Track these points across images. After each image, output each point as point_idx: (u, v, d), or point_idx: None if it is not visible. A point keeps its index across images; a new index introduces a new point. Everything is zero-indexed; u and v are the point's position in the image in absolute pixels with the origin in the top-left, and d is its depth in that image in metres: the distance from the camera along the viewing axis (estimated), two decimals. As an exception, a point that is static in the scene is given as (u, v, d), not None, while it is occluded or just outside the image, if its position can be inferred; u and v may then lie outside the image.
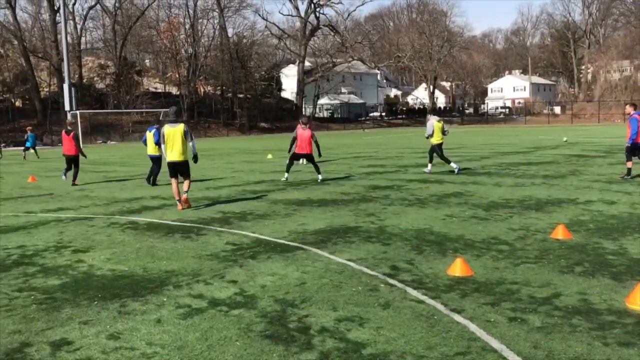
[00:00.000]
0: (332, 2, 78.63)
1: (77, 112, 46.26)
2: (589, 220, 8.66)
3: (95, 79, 68.62)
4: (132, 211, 11.04)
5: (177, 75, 71.99)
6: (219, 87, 74.29)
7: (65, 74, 49.84)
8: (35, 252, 7.74)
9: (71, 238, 8.58)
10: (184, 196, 11.04)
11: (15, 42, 61.57)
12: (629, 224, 8.28)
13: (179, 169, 10.90)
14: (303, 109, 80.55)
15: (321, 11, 79.70)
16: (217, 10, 71.68)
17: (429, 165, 16.38)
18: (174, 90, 74.61)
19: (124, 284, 6.10)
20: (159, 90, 73.63)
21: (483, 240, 7.59)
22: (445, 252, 7.01)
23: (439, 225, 8.69)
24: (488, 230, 8.20)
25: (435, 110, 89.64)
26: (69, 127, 16.48)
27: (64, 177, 17.07)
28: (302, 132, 15.10)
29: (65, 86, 48.99)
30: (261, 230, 8.76)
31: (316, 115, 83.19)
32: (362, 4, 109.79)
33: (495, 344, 4.23)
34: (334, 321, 4.81)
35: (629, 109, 13.29)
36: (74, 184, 15.97)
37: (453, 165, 15.62)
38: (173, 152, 10.75)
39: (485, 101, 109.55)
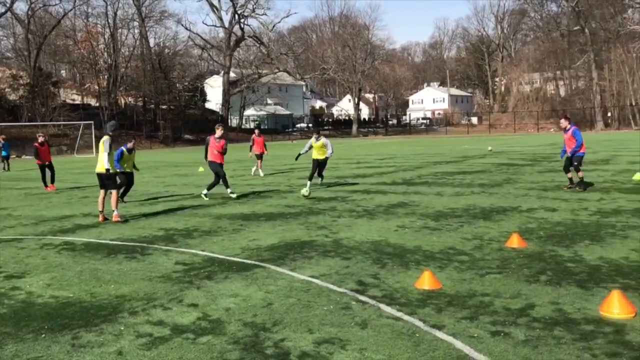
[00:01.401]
0: (256, 14, 78.43)
1: (-12, 124, 43.39)
2: (538, 228, 8.84)
3: (7, 90, 64.71)
4: (65, 230, 10.28)
5: (96, 87, 69.15)
6: (140, 99, 72.07)
7: (-26, 85, 46.75)
8: (-40, 280, 6.97)
9: (0, 262, 7.82)
10: (114, 214, 11.03)
11: None
12: (576, 231, 8.51)
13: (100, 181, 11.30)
14: (229, 120, 79.56)
15: (245, 22, 79.35)
16: (137, 19, 69.65)
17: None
18: (93, 102, 71.63)
19: (71, 312, 5.55)
20: (77, 102, 70.46)
21: (441, 251, 7.55)
22: (407, 265, 6.89)
23: (393, 236, 8.60)
24: (443, 241, 8.18)
25: (360, 121, 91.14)
26: (40, 139, 18.98)
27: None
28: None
29: (-26, 97, 45.93)
30: (211, 247, 8.34)
31: (242, 127, 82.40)
32: (287, 16, 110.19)
33: (486, 361, 4.10)
34: (313, 344, 4.54)
35: (564, 123, 13.38)
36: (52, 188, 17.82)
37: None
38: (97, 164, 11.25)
39: (407, 112, 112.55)
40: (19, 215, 12.52)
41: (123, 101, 72.77)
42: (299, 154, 15.51)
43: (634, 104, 68.31)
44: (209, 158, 13.93)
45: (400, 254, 7.49)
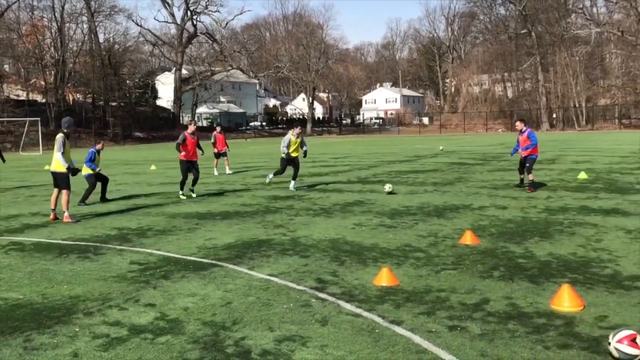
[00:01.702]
0: (209, 11, 77.52)
1: None
2: (489, 225, 9.08)
3: (-55, 84, 61.94)
4: (12, 230, 9.93)
5: (42, 82, 66.94)
6: (89, 95, 70.14)
7: None
8: None
9: (-57, 264, 7.49)
10: (65, 214, 10.66)
11: None
12: (526, 228, 8.78)
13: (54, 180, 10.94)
14: (180, 118, 78.39)
15: (198, 19, 78.33)
16: (86, 14, 67.74)
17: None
18: (40, 98, 69.30)
19: (22, 314, 5.38)
20: (22, 98, 68.00)
21: (398, 248, 7.67)
22: (365, 262, 6.97)
23: (351, 234, 8.68)
24: (399, 238, 8.31)
25: (314, 120, 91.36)
26: None
27: None
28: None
29: None
30: (166, 247, 8.22)
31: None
32: (241, 13, 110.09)
33: (444, 355, 4.20)
34: (274, 342, 4.55)
35: (520, 125, 13.57)
36: None
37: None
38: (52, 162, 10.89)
39: (361, 112, 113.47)
40: (-39, 215, 12.00)
41: (71, 97, 70.68)
42: (287, 153, 14.34)
43: (577, 105, 70.86)
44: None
45: (358, 251, 7.56)
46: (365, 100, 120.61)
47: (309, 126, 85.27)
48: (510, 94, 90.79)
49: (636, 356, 3.92)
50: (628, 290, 5.55)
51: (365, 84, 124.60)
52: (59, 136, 10.66)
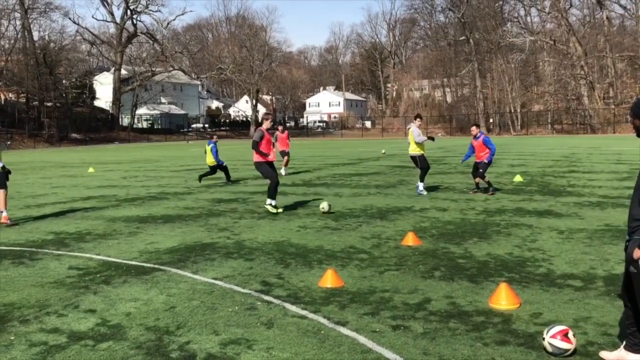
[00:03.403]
0: (150, 10, 76.05)
1: None
2: (430, 227, 9.31)
3: None
4: (-61, 236, 9.44)
5: (-30, 80, 63.85)
6: (23, 95, 67.41)
7: None
8: None
9: None
10: (3, 215, 10.27)
11: None
12: (465, 229, 9.05)
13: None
14: (120, 119, 76.45)
15: (138, 18, 76.83)
16: (19, 10, 65.13)
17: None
18: (-33, 97, 66.06)
19: (-48, 324, 5.13)
20: (-52, 96, 64.67)
21: (342, 250, 7.75)
22: (310, 264, 7.01)
23: (295, 237, 8.71)
24: (344, 240, 8.40)
25: (258, 123, 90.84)
26: None
27: None
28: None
29: None
30: (106, 251, 8.02)
31: (134, 126, 79.43)
32: (182, 14, 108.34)
33: (388, 354, 4.28)
34: (219, 345, 4.52)
35: (475, 130, 13.35)
36: None
37: None
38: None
39: (304, 115, 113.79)
40: None
41: (3, 97, 67.71)
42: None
43: (512, 111, 73.55)
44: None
45: (302, 253, 7.60)
46: (309, 104, 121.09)
47: (252, 128, 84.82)
48: (449, 99, 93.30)
49: (568, 350, 4.12)
50: (561, 288, 5.82)
51: (309, 87, 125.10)
52: None
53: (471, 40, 78.97)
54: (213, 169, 17.18)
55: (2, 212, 10.34)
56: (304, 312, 5.25)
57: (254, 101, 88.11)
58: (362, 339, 4.58)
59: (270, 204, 11.00)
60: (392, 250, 7.71)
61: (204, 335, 4.73)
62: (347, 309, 5.33)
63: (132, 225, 10.07)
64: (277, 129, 19.94)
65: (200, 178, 17.14)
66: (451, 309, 5.26)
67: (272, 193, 11.07)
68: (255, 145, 10.95)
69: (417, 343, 4.48)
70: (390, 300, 5.55)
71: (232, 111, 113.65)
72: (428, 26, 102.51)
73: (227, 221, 10.29)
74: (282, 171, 19.26)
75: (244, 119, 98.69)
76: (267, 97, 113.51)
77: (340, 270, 6.60)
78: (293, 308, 5.38)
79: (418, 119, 13.64)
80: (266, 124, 11.28)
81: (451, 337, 4.58)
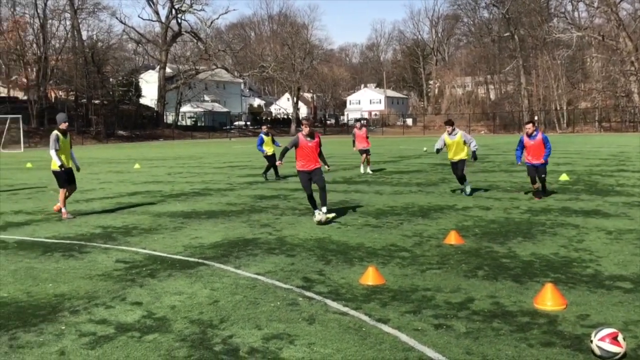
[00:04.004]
0: (194, 9, 77.19)
1: None
2: (473, 226, 9.18)
3: None
4: (-6, 229, 9.84)
5: (24, 79, 66.12)
6: (72, 93, 69.46)
7: None
8: None
9: None
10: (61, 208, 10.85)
11: None
12: (509, 228, 8.90)
13: (73, 177, 10.95)
14: (164, 117, 77.93)
15: (183, 17, 77.97)
16: (69, 11, 67.07)
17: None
18: (21, 95, 68.47)
19: (7, 312, 5.35)
20: (3, 95, 67.17)
21: (383, 248, 7.73)
22: (351, 261, 7.02)
23: (336, 234, 8.72)
24: (385, 238, 8.37)
25: (299, 120, 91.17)
26: None
27: None
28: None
29: None
30: (152, 245, 8.20)
31: (179, 124, 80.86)
32: (226, 13, 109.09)
33: (430, 353, 4.25)
34: (262, 340, 4.58)
35: (531, 128, 11.95)
36: None
37: None
38: (68, 161, 10.78)
39: (345, 112, 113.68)
40: (-58, 213, 11.85)
41: (53, 95, 69.93)
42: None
43: (558, 108, 71.73)
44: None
45: (343, 250, 7.61)
46: (350, 101, 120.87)
47: (293, 126, 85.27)
48: (493, 96, 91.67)
49: (617, 354, 4.01)
50: (609, 290, 5.66)
51: (349, 85, 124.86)
52: (52, 133, 10.61)
53: (516, 37, 77.33)
54: (271, 160, 17.05)
55: (63, 207, 10.74)
56: (345, 309, 5.26)
57: (295, 99, 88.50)
58: (403, 337, 4.56)
59: (324, 213, 9.71)
60: (434, 248, 7.64)
61: (247, 330, 4.80)
62: (389, 306, 5.31)
63: (177, 221, 10.27)
64: (355, 127, 19.67)
65: (265, 175, 17.25)
66: (495, 309, 5.18)
67: (312, 203, 10.03)
68: (282, 152, 10.27)
69: (459, 342, 4.44)
70: (433, 299, 5.50)
71: (273, 109, 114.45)
72: (471, 22, 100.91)
73: (269, 217, 10.39)
74: (362, 169, 18.90)
75: (285, 116, 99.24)
76: (308, 95, 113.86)
77: (381, 268, 6.58)
78: (334, 305, 5.40)
79: (449, 126, 12.93)
80: (305, 130, 10.03)
81: (495, 337, 4.52)
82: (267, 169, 17.32)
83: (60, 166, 10.54)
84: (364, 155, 18.79)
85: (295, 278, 6.32)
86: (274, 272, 6.60)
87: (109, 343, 4.56)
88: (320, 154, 10.09)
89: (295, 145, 9.93)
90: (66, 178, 10.69)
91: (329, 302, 5.48)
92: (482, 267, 6.61)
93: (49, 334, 4.78)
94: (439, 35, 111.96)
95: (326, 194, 10.10)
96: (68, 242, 8.54)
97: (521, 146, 12.29)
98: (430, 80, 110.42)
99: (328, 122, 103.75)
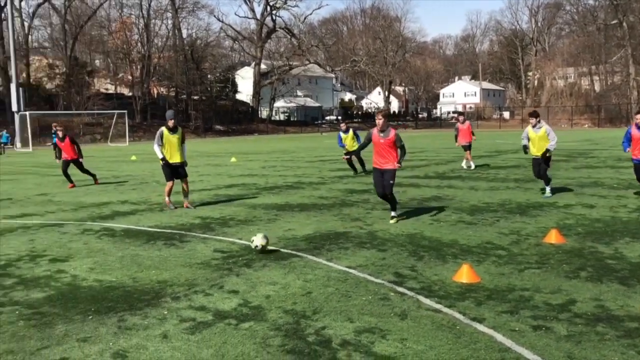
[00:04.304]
0: (288, 6, 78.50)
1: (27, 113, 44.42)
2: (576, 224, 8.72)
3: (44, 79, 66.19)
4: (104, 217, 10.52)
5: (129, 77, 70.23)
6: (172, 89, 72.92)
7: (13, 73, 47.93)
8: (8, 262, 7.21)
9: (44, 246, 8.06)
10: (185, 202, 11.39)
11: (-43, 39, 58.78)
12: (615, 228, 8.37)
13: (180, 171, 11.28)
14: (259, 112, 79.99)
15: (277, 14, 79.46)
16: (171, 10, 70.37)
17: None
18: (127, 92, 72.75)
19: (116, 295, 5.71)
20: (111, 92, 71.67)
21: (478, 245, 7.51)
22: (444, 258, 6.88)
23: (428, 230, 8.58)
24: (480, 235, 8.14)
25: (390, 114, 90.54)
26: (59, 133, 15.79)
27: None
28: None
29: (13, 86, 47.13)
30: (248, 236, 8.43)
31: (272, 118, 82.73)
32: (319, 8, 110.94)
33: (528, 354, 4.09)
34: (354, 333, 4.59)
35: None
36: (97, 183, 16.23)
37: None
38: (173, 156, 11.10)
39: (438, 106, 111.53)
40: (59, 201, 12.84)
41: (155, 91, 73.75)
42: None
43: (672, 100, 66.53)
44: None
45: (436, 247, 7.48)
46: (443, 94, 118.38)
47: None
48: (597, 87, 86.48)
49: None
50: None
51: (443, 78, 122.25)
52: (159, 130, 11.09)
53: (624, 24, 72.39)
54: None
55: (167, 197, 11.28)
56: (438, 306, 5.17)
57: (386, 93, 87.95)
58: (499, 337, 4.41)
59: (392, 216, 9.31)
60: (532, 247, 7.33)
61: (339, 322, 4.83)
62: (484, 305, 5.16)
63: (271, 213, 10.51)
64: (457, 120, 19.02)
65: (354, 169, 17.24)
66: (599, 312, 4.90)
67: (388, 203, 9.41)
68: (358, 148, 10.52)
69: (560, 345, 4.24)
70: (531, 300, 5.29)
71: (364, 103, 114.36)
72: (574, 10, 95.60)
73: (360, 211, 10.40)
74: (464, 164, 18.30)
75: (376, 110, 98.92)
76: (399, 89, 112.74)
77: (476, 266, 6.40)
78: (427, 301, 5.32)
79: (534, 118, 11.87)
80: (379, 123, 9.23)
81: (599, 342, 4.27)
82: (355, 163, 17.26)
83: (162, 159, 11.07)
84: (468, 151, 18.11)
85: (387, 273, 6.29)
86: (365, 266, 6.60)
87: (208, 329, 4.76)
88: (397, 151, 9.15)
89: (369, 140, 9.55)
90: (170, 172, 11.16)
91: (421, 298, 5.41)
92: (585, 268, 6.27)
93: (152, 317, 5.05)
94: (539, 24, 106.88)
95: (394, 200, 9.38)
96: (169, 231, 8.98)
97: (627, 138, 11.25)
98: (529, 72, 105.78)
99: (420, 115, 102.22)
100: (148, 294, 5.75)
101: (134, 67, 69.84)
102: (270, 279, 6.16)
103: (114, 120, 53.56)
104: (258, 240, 7.27)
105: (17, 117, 46.00)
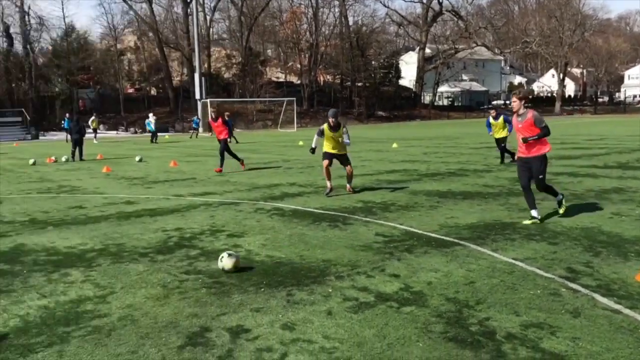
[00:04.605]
0: (455, -13, 76.18)
1: (208, 100, 48.44)
2: None
3: (222, 68, 71.61)
4: (274, 197, 11.18)
5: (298, 65, 73.32)
6: (338, 76, 74.78)
7: (196, 64, 52.40)
8: (192, 235, 7.98)
9: (223, 222, 8.78)
10: (348, 186, 11.60)
11: (151, 34, 65.66)
12: None
13: (340, 159, 11.34)
14: (422, 97, 79.08)
15: (444, -4, 77.49)
16: (338, -1, 71.96)
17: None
18: (295, 80, 76.10)
19: (285, 271, 6.06)
20: (281, 80, 75.48)
21: (667, 244, 6.76)
22: (626, 255, 6.30)
23: (608, 224, 7.90)
24: (669, 232, 7.31)
25: (564, 99, 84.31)
26: (212, 114, 16.70)
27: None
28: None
29: (196, 75, 51.57)
30: (409, 222, 8.45)
31: (435, 104, 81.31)
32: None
33: None
34: (520, 327, 4.41)
35: None
36: (243, 167, 16.68)
37: None
38: (334, 149, 11.21)
39: (622, 89, 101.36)
40: (235, 182, 13.90)
41: (322, 79, 76.21)
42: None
43: None
44: None
45: (616, 243, 6.86)
46: (628, 76, 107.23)
47: (557, 105, 79.20)
48: None
49: None
50: None
51: (628, 58, 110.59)
52: (321, 126, 11.26)
53: None
54: (498, 143, 16.17)
55: (327, 182, 11.51)
56: (618, 307, 4.76)
57: (561, 75, 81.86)
58: (691, 347, 3.96)
59: (533, 217, 8.12)
60: None
61: (504, 315, 4.67)
62: (673, 310, 4.65)
63: (433, 199, 10.40)
64: None
65: (502, 158, 16.53)
66: None
67: (527, 199, 8.26)
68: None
69: None
70: None
71: (535, 86, 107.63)
72: None
73: (529, 201, 9.85)
74: None
75: (549, 94, 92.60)
76: (576, 71, 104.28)
77: (664, 266, 5.78)
78: (604, 300, 4.93)
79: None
80: (514, 106, 8.12)
81: None
82: (506, 152, 16.24)
83: (311, 149, 11.33)
84: None
85: (558, 267, 5.92)
86: (533, 258, 6.28)
87: (370, 310, 4.87)
88: (538, 135, 7.88)
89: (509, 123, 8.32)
90: (329, 155, 11.26)
91: (597, 296, 5.02)
92: None
93: (318, 294, 5.29)
94: None
95: (553, 190, 8.38)
96: (333, 213, 9.28)
97: None
98: None
99: (600, 99, 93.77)
100: (314, 271, 6.02)
101: (302, 56, 72.78)
102: (432, 266, 6.11)
103: (284, 107, 56.36)
104: (226, 263, 6.08)
105: (199, 104, 50.37)
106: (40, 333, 4.55)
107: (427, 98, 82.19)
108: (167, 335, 4.44)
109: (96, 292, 5.53)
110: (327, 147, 11.26)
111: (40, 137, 49.56)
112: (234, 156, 16.71)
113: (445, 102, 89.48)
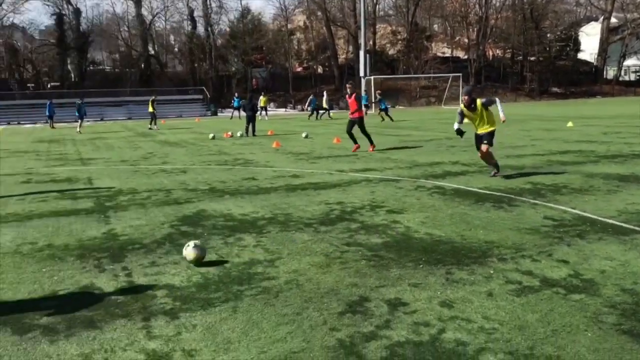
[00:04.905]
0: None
1: (372, 77, 48.89)
2: None
3: (387, 45, 71.60)
4: (436, 176, 11.06)
5: (465, 40, 70.85)
6: (509, 50, 71.03)
7: (362, 41, 53.00)
8: (353, 209, 8.20)
9: (383, 198, 8.90)
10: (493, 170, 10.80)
11: (320, 13, 67.56)
12: None
13: (484, 139, 10.50)
14: (604, 72, 72.27)
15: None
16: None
17: None
18: (462, 55, 73.70)
19: (444, 249, 6.01)
20: (447, 55, 73.56)
21: None
22: None
23: None
24: None
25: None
26: (348, 90, 16.34)
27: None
28: None
29: (361, 53, 52.19)
30: (582, 206, 7.88)
31: (620, 79, 73.84)
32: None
33: None
34: None
35: None
36: (372, 149, 16.27)
37: None
38: (481, 128, 10.52)
39: None
40: (395, 159, 13.96)
41: (491, 53, 72.92)
42: None
43: None
44: None
45: None
46: None
47: None
48: None
49: None
50: None
51: None
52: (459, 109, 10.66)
53: None
54: None
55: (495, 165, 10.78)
56: None
57: None
58: None
59: None
60: None
61: (691, 312, 4.20)
62: None
63: (611, 183, 9.57)
64: None
65: None
66: None
67: None
68: None
69: None
70: None
71: None
72: None
73: None
74: None
75: None
76: None
77: None
78: None
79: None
80: None
81: None
82: None
83: (457, 131, 10.71)
84: None
85: None
86: None
87: (534, 294, 4.67)
88: None
89: None
90: (477, 140, 10.65)
91: None
92: None
93: (478, 275, 5.18)
94: None
95: None
96: (498, 194, 8.95)
97: None
98: None
99: None
100: (475, 252, 5.90)
101: (470, 30, 70.14)
102: (607, 254, 5.67)
103: (449, 83, 55.02)
104: (189, 252, 5.65)
105: (363, 82, 51.03)
106: (217, 289, 5.04)
107: (610, 73, 74.89)
108: (328, 301, 4.67)
109: (266, 257, 5.95)
110: (475, 128, 10.59)
111: (219, 114, 53.80)
112: (367, 136, 16.25)
113: (633, 77, 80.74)
